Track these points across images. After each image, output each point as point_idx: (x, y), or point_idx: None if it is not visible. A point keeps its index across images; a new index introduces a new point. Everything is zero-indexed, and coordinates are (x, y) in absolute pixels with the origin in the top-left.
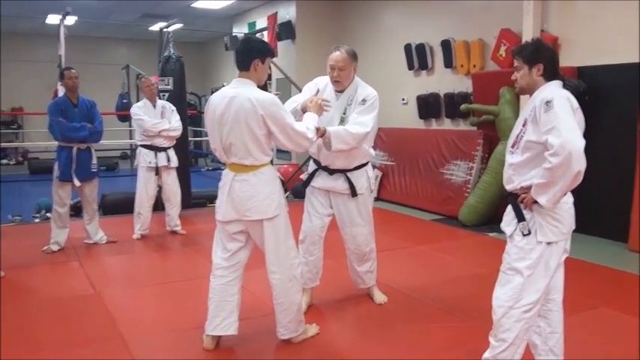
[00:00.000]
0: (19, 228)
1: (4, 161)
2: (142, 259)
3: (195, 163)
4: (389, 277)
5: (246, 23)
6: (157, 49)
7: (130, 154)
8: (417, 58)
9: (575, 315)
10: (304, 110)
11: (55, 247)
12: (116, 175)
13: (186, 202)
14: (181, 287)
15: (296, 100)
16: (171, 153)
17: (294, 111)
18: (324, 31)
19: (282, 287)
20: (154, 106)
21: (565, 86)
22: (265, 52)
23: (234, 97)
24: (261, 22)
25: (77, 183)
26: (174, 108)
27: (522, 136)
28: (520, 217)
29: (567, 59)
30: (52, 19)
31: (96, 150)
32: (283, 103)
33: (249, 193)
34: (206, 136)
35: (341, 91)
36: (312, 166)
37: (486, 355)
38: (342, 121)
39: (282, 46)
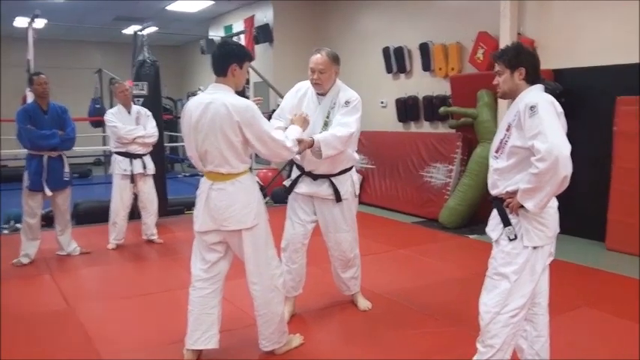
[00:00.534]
0: None
1: None
2: (118, 271)
3: (172, 169)
4: (372, 282)
5: (223, 26)
6: (131, 52)
7: (103, 161)
8: (396, 61)
9: (558, 316)
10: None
11: (25, 260)
12: (89, 182)
13: (163, 210)
14: (159, 299)
15: (280, 117)
16: (148, 160)
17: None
18: (302, 34)
19: (263, 298)
20: (129, 112)
21: (546, 90)
22: (243, 56)
23: (210, 103)
24: (238, 26)
25: (48, 193)
26: (149, 113)
27: (507, 141)
28: (506, 222)
29: (544, 62)
30: (20, 21)
31: (68, 157)
32: (265, 108)
33: (226, 202)
34: (182, 141)
35: (323, 95)
36: (295, 172)
37: None
38: (326, 125)
39: (259, 49)
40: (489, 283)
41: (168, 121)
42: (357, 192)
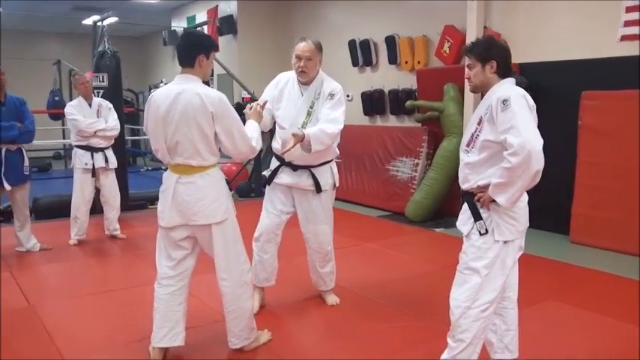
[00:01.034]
0: None
1: None
2: (80, 267)
3: (134, 162)
4: (340, 276)
5: (185, 17)
6: (91, 43)
7: (63, 155)
8: (362, 54)
9: (524, 309)
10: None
11: None
12: (49, 177)
13: (125, 205)
14: (123, 296)
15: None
16: (110, 153)
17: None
18: (266, 26)
19: (233, 294)
20: (90, 105)
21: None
22: (209, 46)
23: (180, 93)
24: (201, 16)
25: (7, 187)
26: (110, 106)
27: (478, 135)
28: (477, 216)
29: None
30: None
31: (27, 150)
32: (230, 101)
33: (195, 196)
34: (144, 134)
35: (306, 84)
36: (274, 163)
37: (445, 355)
38: (309, 115)
39: (223, 41)
40: (460, 277)
41: (129, 113)
42: (337, 183)
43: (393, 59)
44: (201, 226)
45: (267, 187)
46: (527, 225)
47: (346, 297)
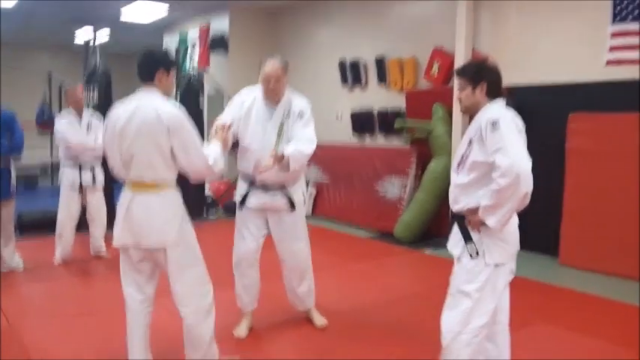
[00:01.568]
0: None
1: None
2: (64, 287)
3: None
4: (328, 298)
5: (178, 33)
6: (83, 60)
7: (50, 171)
8: (352, 74)
9: (513, 332)
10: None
11: None
12: (34, 192)
13: (111, 222)
14: (107, 317)
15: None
16: (98, 171)
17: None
18: (258, 44)
19: (194, 319)
20: (80, 119)
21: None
22: (169, 62)
23: (137, 107)
24: (193, 34)
25: None
26: (101, 125)
27: (468, 156)
28: (467, 239)
29: None
30: None
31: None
32: None
33: (146, 216)
34: None
35: (273, 104)
36: (242, 186)
37: None
38: (279, 136)
39: (214, 58)
40: (451, 300)
41: None
42: (306, 200)
43: (382, 79)
44: (157, 250)
45: (239, 211)
46: (518, 248)
47: (333, 318)
